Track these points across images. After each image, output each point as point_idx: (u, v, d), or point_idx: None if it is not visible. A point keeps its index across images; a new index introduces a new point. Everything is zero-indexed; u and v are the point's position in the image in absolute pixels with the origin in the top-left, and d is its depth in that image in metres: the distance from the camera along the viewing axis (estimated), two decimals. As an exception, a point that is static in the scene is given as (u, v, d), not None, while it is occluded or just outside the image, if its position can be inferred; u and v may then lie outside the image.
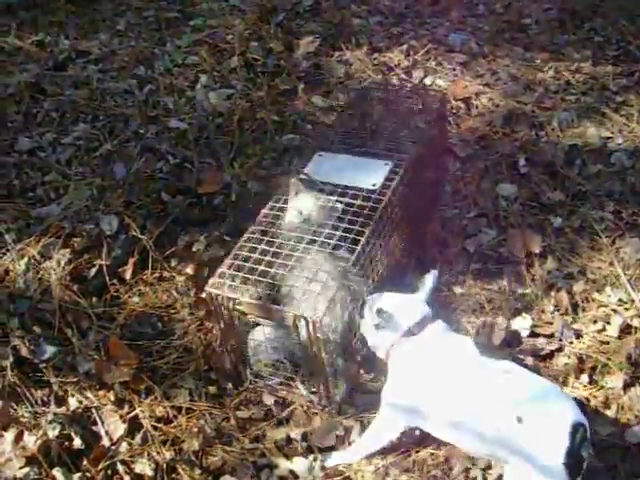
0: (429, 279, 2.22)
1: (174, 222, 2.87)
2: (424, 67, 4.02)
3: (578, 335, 2.51)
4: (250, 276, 2.12)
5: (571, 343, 2.48)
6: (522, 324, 2.53)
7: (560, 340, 2.49)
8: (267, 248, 2.19)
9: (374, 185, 2.35)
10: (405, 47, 4.18)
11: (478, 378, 1.96)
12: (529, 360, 2.40)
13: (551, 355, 2.45)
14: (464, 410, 1.93)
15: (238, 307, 2.10)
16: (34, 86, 3.54)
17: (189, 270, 2.64)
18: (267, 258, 2.15)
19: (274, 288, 2.21)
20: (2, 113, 3.39)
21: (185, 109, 3.41)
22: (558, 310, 2.61)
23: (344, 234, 2.21)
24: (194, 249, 2.74)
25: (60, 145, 3.26)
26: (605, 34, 4.74)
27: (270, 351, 2.25)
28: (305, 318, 1.96)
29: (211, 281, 2.11)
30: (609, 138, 3.59)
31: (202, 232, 2.81)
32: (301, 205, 2.32)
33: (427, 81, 3.87)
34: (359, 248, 2.16)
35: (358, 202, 2.30)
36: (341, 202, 2.33)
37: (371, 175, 2.41)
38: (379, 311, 2.09)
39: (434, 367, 2.01)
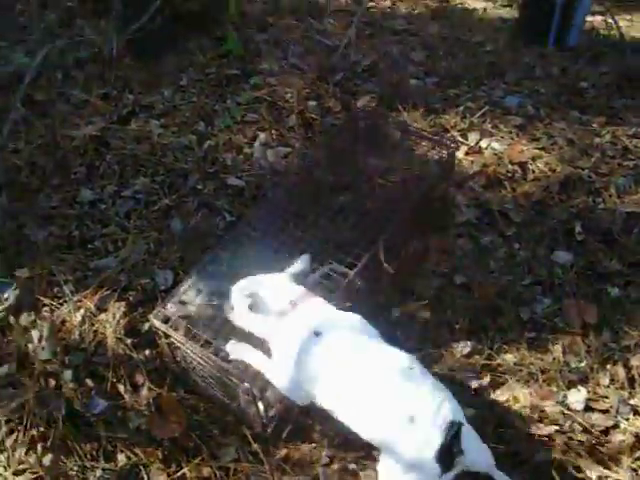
0: (301, 260, 2.36)
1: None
2: (480, 129, 4.03)
3: (635, 411, 2.45)
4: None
5: (627, 420, 2.42)
6: (577, 397, 2.48)
7: (616, 416, 2.43)
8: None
9: None
10: (461, 109, 4.20)
11: (362, 357, 2.05)
12: (582, 436, 2.34)
13: (606, 432, 2.39)
14: (345, 387, 2.03)
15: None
16: (98, 139, 3.64)
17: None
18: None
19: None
20: (67, 165, 3.49)
21: (243, 166, 3.47)
22: (614, 384, 2.56)
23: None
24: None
25: (120, 198, 3.34)
26: (663, 99, 4.72)
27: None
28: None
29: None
30: (668, 207, 3.54)
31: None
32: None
33: (483, 144, 3.87)
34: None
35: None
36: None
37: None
38: (250, 295, 2.16)
39: (315, 346, 2.07)
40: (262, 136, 3.65)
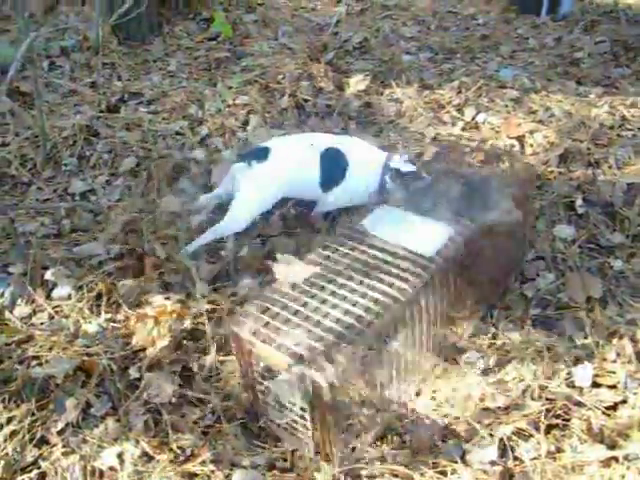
0: None
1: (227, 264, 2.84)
2: (476, 104, 3.97)
3: (644, 386, 2.42)
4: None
5: (635, 394, 2.37)
6: (583, 373, 2.44)
7: (624, 391, 2.39)
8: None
9: (428, 252, 2.27)
10: (456, 84, 4.14)
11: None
12: (591, 413, 2.30)
13: (614, 407, 2.35)
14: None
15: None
16: (88, 129, 3.57)
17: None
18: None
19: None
20: (57, 156, 3.43)
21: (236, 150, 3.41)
22: (621, 359, 2.51)
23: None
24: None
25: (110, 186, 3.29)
26: (660, 66, 4.66)
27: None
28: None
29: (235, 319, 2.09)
30: (668, 176, 3.49)
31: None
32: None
33: (479, 119, 3.81)
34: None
35: (405, 264, 2.23)
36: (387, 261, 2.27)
37: (428, 239, 2.32)
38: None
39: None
40: (254, 119, 3.58)
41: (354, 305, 2.08)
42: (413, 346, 2.21)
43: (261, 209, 2.84)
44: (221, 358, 2.44)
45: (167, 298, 2.60)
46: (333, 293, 2.13)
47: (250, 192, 2.76)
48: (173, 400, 2.29)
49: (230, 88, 3.88)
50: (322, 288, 2.15)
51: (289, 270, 2.25)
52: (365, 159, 2.89)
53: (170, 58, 4.34)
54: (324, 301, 2.11)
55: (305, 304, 2.10)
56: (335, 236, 2.37)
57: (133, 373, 2.37)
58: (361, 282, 2.16)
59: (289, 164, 2.80)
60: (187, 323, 2.53)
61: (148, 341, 2.47)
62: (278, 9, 5.06)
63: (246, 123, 3.59)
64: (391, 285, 2.13)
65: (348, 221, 2.44)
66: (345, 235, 2.36)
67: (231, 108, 3.72)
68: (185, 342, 2.49)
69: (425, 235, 2.34)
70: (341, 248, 2.30)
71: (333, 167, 2.84)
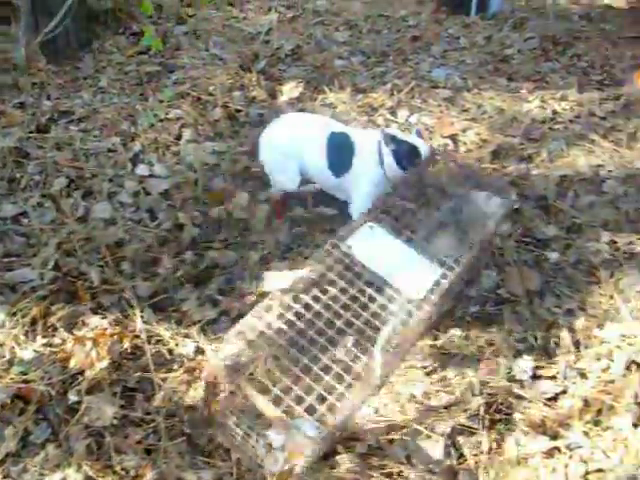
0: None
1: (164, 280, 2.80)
2: (409, 105, 4.00)
3: (582, 375, 2.44)
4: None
5: (575, 384, 2.41)
6: (524, 366, 2.46)
7: (564, 381, 2.42)
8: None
9: (417, 293, 2.20)
10: (389, 86, 4.17)
11: None
12: (532, 405, 2.33)
13: (555, 398, 2.38)
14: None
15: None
16: (17, 150, 3.49)
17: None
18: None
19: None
20: (-13, 181, 3.35)
21: (170, 165, 3.36)
22: (560, 349, 2.55)
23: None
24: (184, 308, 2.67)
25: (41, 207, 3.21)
26: (588, 59, 4.78)
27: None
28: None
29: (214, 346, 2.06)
30: (600, 166, 3.56)
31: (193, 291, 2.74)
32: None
33: (413, 119, 3.84)
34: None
35: (393, 307, 2.18)
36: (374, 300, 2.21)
37: (417, 279, 2.25)
38: None
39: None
40: (187, 132, 3.54)
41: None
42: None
43: None
44: (162, 375, 2.40)
45: (104, 318, 2.55)
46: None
47: None
48: (114, 422, 2.24)
49: (162, 102, 3.83)
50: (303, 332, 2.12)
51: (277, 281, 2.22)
52: (366, 138, 2.94)
53: (100, 74, 4.26)
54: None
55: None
56: (322, 255, 2.32)
57: (72, 397, 2.31)
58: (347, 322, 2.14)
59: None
60: (126, 343, 2.49)
61: (86, 363, 2.42)
62: (209, 20, 5.02)
63: (179, 137, 3.54)
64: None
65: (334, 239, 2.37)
66: (332, 257, 2.30)
67: (164, 122, 3.68)
68: (125, 362, 2.45)
69: (414, 275, 2.28)
70: (330, 274, 2.26)
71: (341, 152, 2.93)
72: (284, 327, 2.06)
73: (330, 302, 2.15)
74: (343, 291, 2.19)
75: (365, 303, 2.17)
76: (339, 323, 2.11)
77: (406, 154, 2.75)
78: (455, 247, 2.41)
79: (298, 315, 2.10)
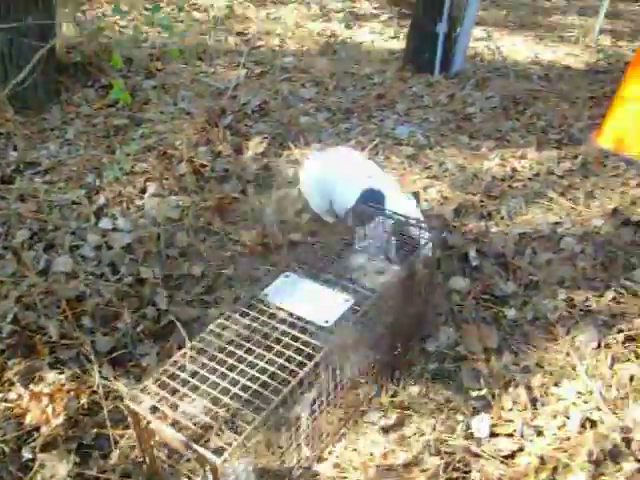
0: None
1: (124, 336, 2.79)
2: (373, 161, 4.06)
3: (539, 432, 2.46)
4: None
5: (531, 441, 2.43)
6: (481, 424, 2.48)
7: (520, 439, 2.44)
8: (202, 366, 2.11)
9: (326, 322, 2.24)
10: (353, 142, 4.25)
11: None
12: (490, 463, 2.34)
13: (512, 455, 2.39)
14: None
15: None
16: (-19, 201, 3.49)
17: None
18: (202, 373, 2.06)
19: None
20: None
21: (133, 219, 3.37)
22: (517, 406, 2.58)
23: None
24: (144, 364, 2.66)
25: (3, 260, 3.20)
26: (547, 119, 4.91)
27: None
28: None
29: (132, 394, 2.02)
30: (557, 223, 3.65)
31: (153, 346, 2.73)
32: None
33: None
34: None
35: (304, 337, 2.19)
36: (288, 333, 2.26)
37: (327, 310, 2.29)
38: None
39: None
40: (152, 187, 3.56)
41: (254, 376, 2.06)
42: (315, 411, 2.21)
43: None
44: (119, 432, 2.38)
45: (61, 373, 2.53)
46: (233, 365, 2.11)
47: None
48: (69, 480, 2.21)
49: (128, 155, 3.86)
50: (223, 361, 2.13)
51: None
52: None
53: (68, 126, 4.29)
54: (225, 372, 2.08)
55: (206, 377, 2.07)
56: (237, 306, 2.34)
57: (26, 454, 2.28)
58: (262, 356, 2.15)
59: None
60: (83, 399, 2.46)
61: (42, 420, 2.39)
62: (178, 74, 5.10)
63: (144, 191, 3.56)
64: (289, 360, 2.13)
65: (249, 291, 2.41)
66: (246, 305, 2.33)
67: (129, 176, 3.70)
68: (81, 418, 2.42)
69: (325, 305, 2.32)
70: (242, 319, 2.28)
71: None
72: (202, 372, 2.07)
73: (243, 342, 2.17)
74: (256, 331, 2.22)
75: (278, 338, 2.20)
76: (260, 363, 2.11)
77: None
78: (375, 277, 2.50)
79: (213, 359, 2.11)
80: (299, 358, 2.09)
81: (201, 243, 3.25)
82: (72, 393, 2.45)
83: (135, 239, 3.19)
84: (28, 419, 2.39)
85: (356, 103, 4.90)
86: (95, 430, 2.38)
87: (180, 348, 2.68)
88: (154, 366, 2.62)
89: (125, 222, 3.30)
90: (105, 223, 3.32)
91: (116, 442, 2.35)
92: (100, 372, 2.55)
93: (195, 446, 1.82)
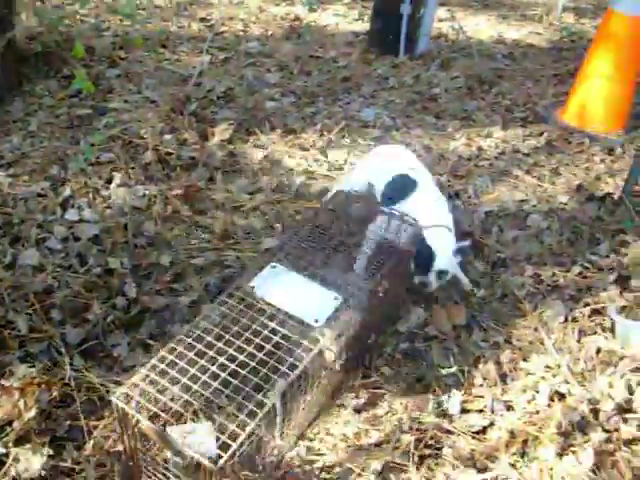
0: None
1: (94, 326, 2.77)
2: (339, 145, 4.08)
3: (509, 407, 2.51)
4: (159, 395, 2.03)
5: (502, 416, 2.47)
6: (452, 401, 2.51)
7: (491, 414, 2.48)
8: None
9: (316, 322, 2.24)
10: (319, 126, 4.24)
11: None
12: (461, 439, 2.38)
13: (483, 430, 2.43)
14: None
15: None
16: (-58, 200, 3.43)
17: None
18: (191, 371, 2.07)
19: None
20: None
21: (100, 209, 3.34)
22: (487, 383, 2.61)
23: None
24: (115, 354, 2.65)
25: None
26: (512, 97, 4.95)
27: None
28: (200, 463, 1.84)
29: (120, 391, 2.03)
30: (523, 201, 3.69)
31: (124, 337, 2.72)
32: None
33: (340, 159, 3.92)
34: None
35: (294, 337, 2.19)
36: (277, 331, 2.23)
37: (316, 308, 2.28)
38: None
39: None
40: (118, 176, 3.53)
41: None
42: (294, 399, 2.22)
43: None
44: (93, 423, 2.38)
45: (32, 366, 2.51)
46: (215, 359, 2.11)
47: None
48: (43, 472, 2.20)
49: (93, 145, 3.82)
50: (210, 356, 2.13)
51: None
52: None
53: (31, 117, 4.23)
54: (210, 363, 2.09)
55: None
56: (224, 298, 2.33)
57: (0, 449, 2.27)
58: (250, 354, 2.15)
59: None
60: (55, 392, 2.45)
61: (14, 414, 2.37)
62: (141, 62, 5.04)
63: (110, 181, 3.53)
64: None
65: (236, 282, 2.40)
66: (234, 297, 2.32)
67: (94, 166, 3.66)
68: (54, 410, 2.41)
69: (314, 302, 2.32)
70: (230, 312, 2.27)
71: None
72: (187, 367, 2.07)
73: (231, 338, 2.16)
74: (245, 328, 2.22)
75: (267, 336, 2.19)
76: (242, 357, 2.11)
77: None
78: (359, 274, 2.54)
79: (200, 355, 2.11)
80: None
81: (169, 232, 3.23)
82: (43, 386, 2.43)
83: (102, 230, 3.17)
84: (0, 414, 2.37)
85: (321, 87, 4.89)
86: (68, 422, 2.37)
87: (152, 337, 2.69)
88: (126, 356, 2.62)
89: (92, 213, 3.27)
90: (71, 215, 3.29)
91: (90, 433, 2.34)
92: (71, 364, 2.54)
93: (191, 452, 1.84)
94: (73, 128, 4.11)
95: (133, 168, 3.63)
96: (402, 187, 3.07)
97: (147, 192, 3.44)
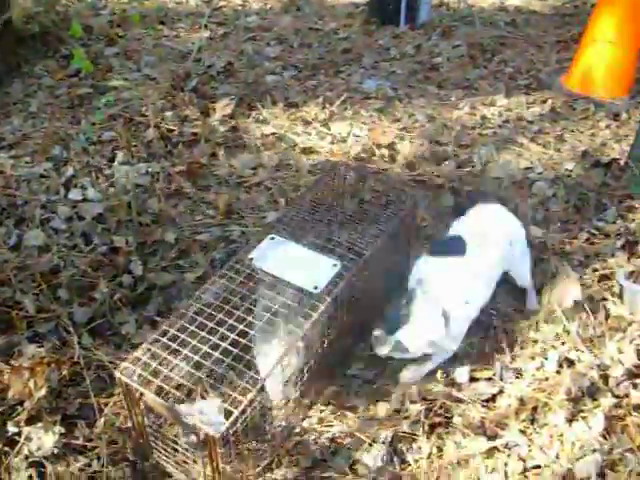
0: None
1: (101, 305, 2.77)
2: (342, 117, 4.05)
3: (518, 374, 2.51)
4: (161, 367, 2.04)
5: (511, 383, 2.47)
6: (461, 370, 2.51)
7: (500, 382, 2.48)
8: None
9: (315, 288, 2.23)
10: (321, 99, 4.21)
11: None
12: (471, 407, 2.38)
13: (493, 398, 2.43)
14: None
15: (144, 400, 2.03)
16: (-56, 182, 3.43)
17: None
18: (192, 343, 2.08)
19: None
20: None
21: (103, 188, 3.34)
22: (496, 351, 2.61)
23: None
24: (123, 332, 2.65)
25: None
26: (515, 65, 4.89)
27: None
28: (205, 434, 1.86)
29: (123, 365, 2.04)
30: (529, 168, 3.66)
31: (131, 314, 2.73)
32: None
33: (345, 132, 3.89)
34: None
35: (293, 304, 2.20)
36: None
37: (316, 275, 2.28)
38: None
39: None
40: (120, 155, 3.52)
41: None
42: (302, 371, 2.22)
43: None
44: (103, 401, 2.39)
45: (41, 346, 2.52)
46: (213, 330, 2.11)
47: None
48: (55, 450, 2.21)
49: (94, 124, 3.81)
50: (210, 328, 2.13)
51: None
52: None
53: (31, 99, 4.21)
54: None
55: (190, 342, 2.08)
56: (224, 271, 2.33)
57: (11, 428, 2.27)
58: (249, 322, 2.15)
59: None
60: (65, 370, 2.46)
61: (25, 393, 2.39)
62: (140, 40, 5.00)
63: (112, 159, 3.52)
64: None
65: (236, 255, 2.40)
66: (234, 270, 2.33)
67: (96, 145, 3.65)
68: (64, 389, 2.42)
69: (313, 270, 2.31)
70: (230, 284, 2.28)
71: None
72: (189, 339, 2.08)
73: (231, 309, 2.17)
74: (243, 298, 2.23)
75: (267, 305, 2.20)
76: (241, 326, 2.12)
77: None
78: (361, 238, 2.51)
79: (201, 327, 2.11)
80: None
81: (173, 209, 3.22)
82: (53, 365, 2.44)
83: (106, 208, 3.16)
84: (10, 394, 2.38)
85: (322, 59, 4.85)
86: (79, 400, 2.39)
87: (159, 314, 2.69)
88: (134, 333, 2.63)
89: (95, 192, 3.27)
90: (75, 194, 3.28)
91: (101, 410, 2.35)
92: (80, 343, 2.55)
93: (197, 423, 1.85)
94: (73, 108, 4.09)
95: (135, 146, 3.61)
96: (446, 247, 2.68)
97: (150, 169, 3.43)
